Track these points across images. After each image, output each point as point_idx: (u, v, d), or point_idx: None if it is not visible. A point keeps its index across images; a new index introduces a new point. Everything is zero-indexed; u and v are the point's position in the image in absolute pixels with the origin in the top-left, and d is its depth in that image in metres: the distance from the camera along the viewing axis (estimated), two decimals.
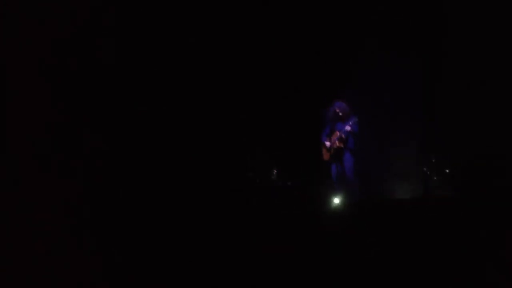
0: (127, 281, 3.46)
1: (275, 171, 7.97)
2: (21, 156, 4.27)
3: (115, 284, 3.43)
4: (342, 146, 6.57)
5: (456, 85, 7.25)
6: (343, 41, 8.21)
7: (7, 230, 3.69)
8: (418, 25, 7.81)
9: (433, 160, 7.44)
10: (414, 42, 7.85)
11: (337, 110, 6.67)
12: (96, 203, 4.67)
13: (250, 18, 7.96)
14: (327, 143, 6.71)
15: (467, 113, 7.02)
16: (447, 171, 6.40)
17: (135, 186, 6.63)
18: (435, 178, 7.26)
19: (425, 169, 7.53)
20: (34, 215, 3.96)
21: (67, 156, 4.54)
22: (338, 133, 6.60)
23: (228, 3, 7.74)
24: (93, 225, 4.12)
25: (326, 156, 6.79)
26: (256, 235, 3.96)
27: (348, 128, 6.47)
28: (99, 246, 3.77)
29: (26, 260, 3.49)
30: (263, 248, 3.75)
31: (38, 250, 3.60)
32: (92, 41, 5.01)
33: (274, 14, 8.01)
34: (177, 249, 3.85)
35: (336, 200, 5.76)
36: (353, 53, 8.20)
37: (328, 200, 5.85)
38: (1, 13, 4.35)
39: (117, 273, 3.50)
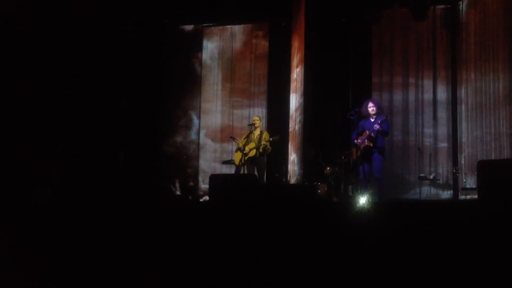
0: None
1: (301, 170, 7.95)
2: None
3: None
4: (371, 145, 6.51)
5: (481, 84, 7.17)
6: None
7: None
8: None
9: (463, 162, 7.34)
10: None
11: (369, 107, 6.64)
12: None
13: None
14: (356, 142, 6.68)
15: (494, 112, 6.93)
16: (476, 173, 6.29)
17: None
18: (464, 180, 7.17)
19: (454, 170, 7.43)
20: None
21: None
22: (367, 132, 6.55)
23: None
24: None
25: (355, 155, 6.75)
26: (282, 232, 4.00)
27: (377, 126, 6.42)
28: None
29: None
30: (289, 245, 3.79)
31: None
32: None
33: None
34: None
35: (363, 200, 5.73)
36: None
37: (354, 200, 5.82)
38: None
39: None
